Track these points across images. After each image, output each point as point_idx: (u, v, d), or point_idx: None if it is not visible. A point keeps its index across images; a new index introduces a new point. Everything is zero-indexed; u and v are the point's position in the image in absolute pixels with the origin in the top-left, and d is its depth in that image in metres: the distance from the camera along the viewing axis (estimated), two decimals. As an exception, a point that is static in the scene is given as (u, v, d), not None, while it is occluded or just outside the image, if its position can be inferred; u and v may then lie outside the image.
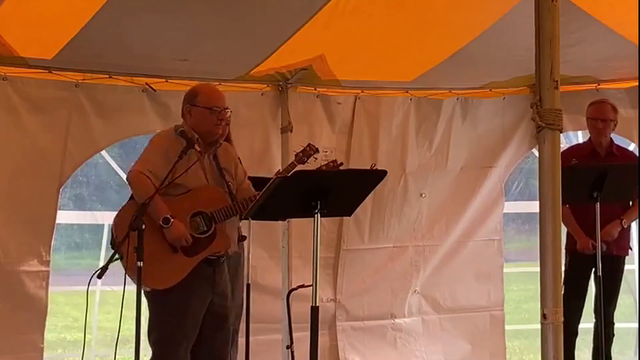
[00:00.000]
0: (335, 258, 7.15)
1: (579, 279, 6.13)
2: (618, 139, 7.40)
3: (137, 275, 4.24)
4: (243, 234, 5.84)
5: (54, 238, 6.14)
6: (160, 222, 4.51)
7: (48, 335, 6.68)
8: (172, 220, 4.54)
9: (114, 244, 4.62)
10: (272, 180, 4.41)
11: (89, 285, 4.31)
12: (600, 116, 6.23)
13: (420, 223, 7.42)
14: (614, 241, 6.06)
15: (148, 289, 4.55)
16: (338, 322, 7.12)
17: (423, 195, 7.40)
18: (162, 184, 4.49)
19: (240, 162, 6.03)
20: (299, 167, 5.66)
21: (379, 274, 7.30)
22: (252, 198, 4.75)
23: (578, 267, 6.09)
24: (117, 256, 4.35)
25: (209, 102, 4.75)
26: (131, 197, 4.73)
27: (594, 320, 6.02)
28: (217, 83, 6.50)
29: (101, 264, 5.37)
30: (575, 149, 6.42)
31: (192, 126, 4.76)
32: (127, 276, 4.41)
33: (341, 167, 5.35)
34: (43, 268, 5.97)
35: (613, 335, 6.13)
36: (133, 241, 4.28)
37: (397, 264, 7.35)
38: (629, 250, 6.41)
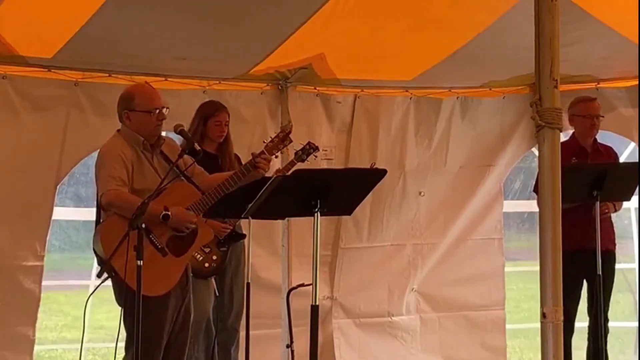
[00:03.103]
0: (332, 256, 7.12)
1: (572, 277, 6.05)
2: (617, 138, 7.43)
3: (137, 275, 4.20)
4: (242, 232, 5.86)
5: (56, 238, 6.15)
6: (161, 219, 4.46)
7: (49, 334, 6.69)
8: (169, 210, 4.46)
9: (103, 262, 4.43)
10: (272, 179, 4.41)
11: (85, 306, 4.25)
12: (595, 113, 6.12)
13: (418, 221, 7.39)
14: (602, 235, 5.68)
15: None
16: (334, 319, 7.10)
17: (422, 193, 7.39)
18: (155, 191, 4.36)
19: (240, 162, 6.04)
20: (299, 166, 5.66)
21: (377, 272, 7.28)
22: (221, 185, 4.66)
23: (570, 265, 5.99)
24: (111, 272, 4.26)
25: (148, 105, 4.65)
26: (98, 215, 4.63)
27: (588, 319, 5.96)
28: (217, 82, 6.52)
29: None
30: (562, 147, 6.29)
31: (134, 130, 4.67)
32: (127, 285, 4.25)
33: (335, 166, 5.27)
34: (37, 263, 5.99)
35: (607, 332, 6.01)
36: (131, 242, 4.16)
37: (394, 262, 7.33)
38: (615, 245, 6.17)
